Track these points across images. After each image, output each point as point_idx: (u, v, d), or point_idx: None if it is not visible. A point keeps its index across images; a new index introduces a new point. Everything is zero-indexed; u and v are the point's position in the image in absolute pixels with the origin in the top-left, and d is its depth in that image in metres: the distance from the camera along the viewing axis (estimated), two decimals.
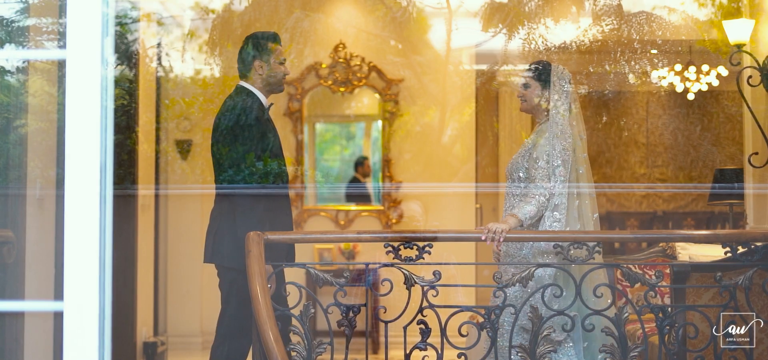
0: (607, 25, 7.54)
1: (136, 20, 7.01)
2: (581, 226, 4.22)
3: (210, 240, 4.21)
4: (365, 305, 3.97)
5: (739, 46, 6.04)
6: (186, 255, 8.05)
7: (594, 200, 4.31)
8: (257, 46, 4.29)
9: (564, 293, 3.96)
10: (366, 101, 8.57)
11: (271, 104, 4.35)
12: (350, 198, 8.53)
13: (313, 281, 3.95)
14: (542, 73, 4.30)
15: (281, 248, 4.12)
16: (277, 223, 4.16)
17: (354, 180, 8.66)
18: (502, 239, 3.97)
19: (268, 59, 4.27)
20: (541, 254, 4.18)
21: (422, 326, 3.94)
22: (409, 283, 3.90)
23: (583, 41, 7.60)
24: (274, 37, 4.35)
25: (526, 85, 4.34)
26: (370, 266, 4.11)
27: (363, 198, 8.48)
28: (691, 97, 8.97)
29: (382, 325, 4.49)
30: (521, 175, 4.25)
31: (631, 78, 8.50)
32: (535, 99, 4.32)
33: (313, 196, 8.51)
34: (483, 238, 3.98)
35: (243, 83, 4.31)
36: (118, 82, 6.45)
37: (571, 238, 3.98)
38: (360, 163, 8.63)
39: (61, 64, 2.10)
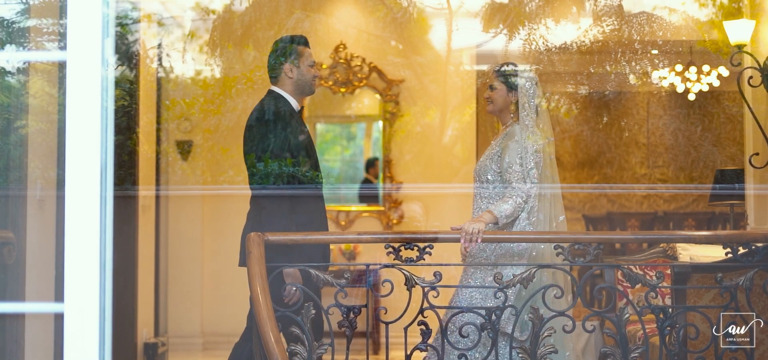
0: (607, 25, 7.54)
1: (136, 21, 7.01)
2: (548, 228, 4.21)
3: (242, 243, 4.25)
4: (366, 306, 3.97)
5: (740, 47, 6.04)
6: (187, 256, 8.05)
7: (561, 202, 4.30)
8: (286, 49, 4.33)
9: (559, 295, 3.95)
10: (367, 102, 8.57)
11: (302, 107, 4.37)
12: (363, 199, 8.56)
13: (313, 282, 3.95)
14: (509, 75, 4.29)
15: (316, 249, 4.14)
16: (306, 224, 4.18)
17: (366, 181, 8.67)
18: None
19: (297, 62, 4.31)
20: (510, 256, 4.16)
21: (423, 327, 3.94)
22: (409, 284, 3.89)
23: (583, 42, 7.59)
24: (303, 41, 4.39)
25: (492, 87, 4.33)
26: (371, 267, 4.10)
27: (374, 199, 8.50)
28: (691, 97, 8.97)
29: (382, 326, 4.48)
30: (490, 177, 4.23)
31: (632, 78, 8.50)
32: (502, 102, 4.31)
33: None
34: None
35: (273, 87, 4.35)
36: (118, 82, 6.45)
37: (572, 239, 3.97)
38: (371, 165, 8.65)
39: (61, 65, 2.10)
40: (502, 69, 4.33)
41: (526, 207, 4.11)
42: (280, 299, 3.91)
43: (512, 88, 4.27)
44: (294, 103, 4.31)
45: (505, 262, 4.13)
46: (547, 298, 3.91)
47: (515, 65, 4.33)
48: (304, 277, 3.97)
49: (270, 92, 4.34)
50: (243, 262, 4.23)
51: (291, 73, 4.31)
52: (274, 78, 4.35)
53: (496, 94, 4.31)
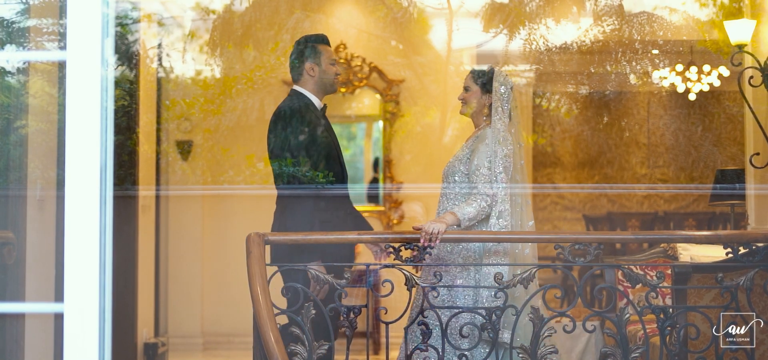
0: (608, 25, 7.54)
1: (136, 21, 7.01)
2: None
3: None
4: (366, 306, 3.97)
5: (741, 47, 6.03)
6: (187, 256, 8.05)
7: (530, 207, 4.30)
8: (307, 48, 4.33)
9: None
10: (367, 102, 8.57)
11: (325, 106, 4.38)
12: (371, 199, 8.55)
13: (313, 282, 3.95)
14: (484, 78, 4.28)
15: (344, 249, 4.17)
16: (331, 223, 4.18)
17: (374, 180, 8.67)
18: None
19: (319, 61, 4.32)
20: (478, 257, 4.15)
21: (423, 327, 3.94)
22: (409, 284, 3.89)
23: (584, 41, 7.59)
24: (323, 39, 4.41)
25: (467, 89, 4.31)
26: (371, 267, 4.10)
27: (375, 199, 8.50)
28: (692, 97, 8.97)
29: (382, 326, 4.48)
30: (457, 179, 4.22)
31: (632, 78, 8.50)
32: (475, 104, 4.29)
33: None
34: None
35: (296, 87, 4.36)
36: (118, 82, 6.45)
37: (572, 239, 3.97)
38: (378, 163, 8.65)
39: (61, 65, 2.09)
40: (478, 72, 4.32)
41: (492, 211, 4.09)
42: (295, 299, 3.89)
43: (487, 91, 4.26)
44: (317, 102, 4.32)
45: (486, 261, 4.12)
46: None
47: (491, 69, 4.31)
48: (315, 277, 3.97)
49: (293, 91, 4.35)
50: (275, 259, 4.24)
51: (312, 71, 4.32)
52: (297, 77, 4.36)
53: (470, 96, 4.30)
